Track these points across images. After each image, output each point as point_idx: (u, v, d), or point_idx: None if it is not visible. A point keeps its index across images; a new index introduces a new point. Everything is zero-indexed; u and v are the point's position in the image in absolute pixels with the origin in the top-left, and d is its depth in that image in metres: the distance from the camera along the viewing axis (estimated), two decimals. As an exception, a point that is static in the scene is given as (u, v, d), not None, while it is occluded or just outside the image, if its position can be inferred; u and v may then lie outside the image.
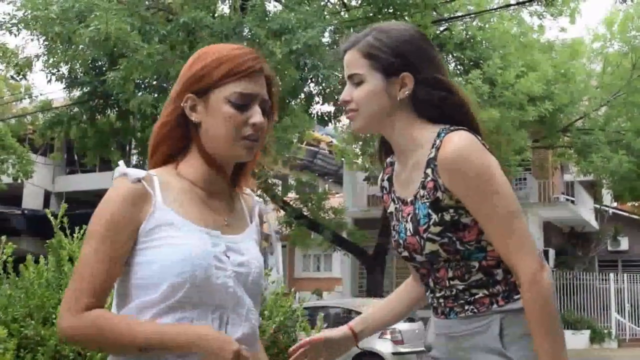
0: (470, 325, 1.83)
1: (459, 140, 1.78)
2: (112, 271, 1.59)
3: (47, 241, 4.40)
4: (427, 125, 1.88)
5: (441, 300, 1.89)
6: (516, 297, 1.80)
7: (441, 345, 1.92)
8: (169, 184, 1.66)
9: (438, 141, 1.81)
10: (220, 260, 1.62)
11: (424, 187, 1.84)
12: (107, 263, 1.58)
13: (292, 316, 4.06)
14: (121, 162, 1.67)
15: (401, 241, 1.91)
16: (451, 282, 1.85)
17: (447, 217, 1.81)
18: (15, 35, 11.30)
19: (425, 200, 1.83)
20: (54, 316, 3.38)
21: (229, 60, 1.66)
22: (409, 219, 1.87)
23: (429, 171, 1.82)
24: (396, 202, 1.96)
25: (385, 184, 2.03)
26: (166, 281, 1.56)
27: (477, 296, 1.83)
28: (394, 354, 12.09)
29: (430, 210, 1.82)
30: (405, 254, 1.91)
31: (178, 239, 1.58)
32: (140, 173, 1.63)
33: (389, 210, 2.00)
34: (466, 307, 1.84)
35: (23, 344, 3.25)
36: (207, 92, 1.66)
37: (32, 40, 11.42)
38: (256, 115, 1.67)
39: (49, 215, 4.54)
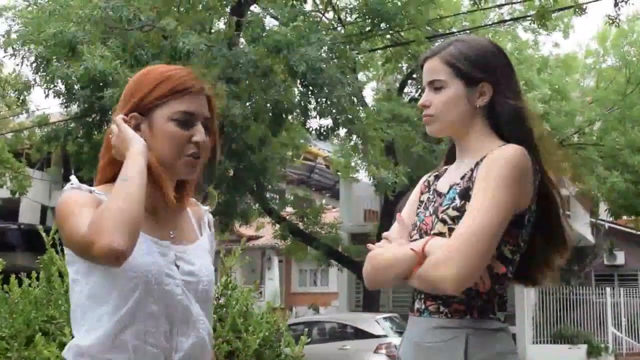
0: (437, 337, 1.84)
1: (513, 148, 1.83)
2: None
3: (39, 257, 4.44)
4: (496, 139, 1.93)
5: (422, 295, 1.90)
6: (492, 316, 1.82)
7: (409, 356, 1.91)
8: None
9: (496, 148, 1.86)
10: (169, 268, 1.65)
11: (462, 178, 1.90)
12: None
13: (277, 332, 4.09)
14: (72, 177, 1.69)
15: (418, 222, 1.96)
16: None
17: (467, 208, 1.83)
18: (13, 56, 11.22)
19: (457, 188, 1.89)
20: (40, 334, 3.38)
21: (170, 79, 1.70)
22: (435, 204, 1.93)
23: (473, 166, 1.89)
24: (431, 192, 2.01)
25: (431, 179, 2.08)
26: (117, 288, 1.58)
27: (455, 299, 1.83)
28: (388, 368, 12.05)
29: (456, 196, 1.88)
30: (417, 236, 1.93)
31: None
32: (89, 188, 1.67)
33: (420, 199, 2.05)
34: (441, 309, 1.85)
35: (8, 362, 3.27)
36: (150, 110, 1.69)
37: (27, 64, 11.36)
38: (199, 134, 1.70)
39: (41, 232, 4.58)
